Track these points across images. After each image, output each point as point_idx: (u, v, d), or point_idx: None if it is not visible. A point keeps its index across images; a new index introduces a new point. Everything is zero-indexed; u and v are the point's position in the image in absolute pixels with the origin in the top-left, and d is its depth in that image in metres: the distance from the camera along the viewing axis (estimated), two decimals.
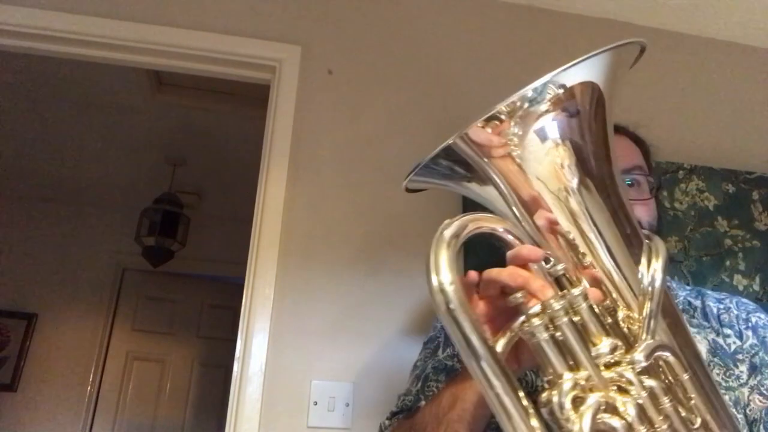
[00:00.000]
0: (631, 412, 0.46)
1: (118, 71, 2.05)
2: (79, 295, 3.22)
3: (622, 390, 0.47)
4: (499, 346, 0.50)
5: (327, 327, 1.29)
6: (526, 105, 0.52)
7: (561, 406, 0.46)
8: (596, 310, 0.50)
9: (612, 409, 0.46)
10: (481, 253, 1.07)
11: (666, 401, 0.47)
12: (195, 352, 3.37)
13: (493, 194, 0.57)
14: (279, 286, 1.29)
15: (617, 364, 0.48)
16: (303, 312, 1.29)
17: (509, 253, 0.54)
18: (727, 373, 0.69)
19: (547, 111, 0.53)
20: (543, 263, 0.53)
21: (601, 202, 0.55)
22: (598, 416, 0.45)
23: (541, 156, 0.54)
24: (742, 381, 0.68)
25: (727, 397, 0.67)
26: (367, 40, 1.58)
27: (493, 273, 0.53)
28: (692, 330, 0.73)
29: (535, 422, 0.45)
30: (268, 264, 1.30)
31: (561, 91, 0.53)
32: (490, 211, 0.58)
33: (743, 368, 0.69)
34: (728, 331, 0.72)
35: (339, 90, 1.50)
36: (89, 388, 3.07)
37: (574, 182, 0.54)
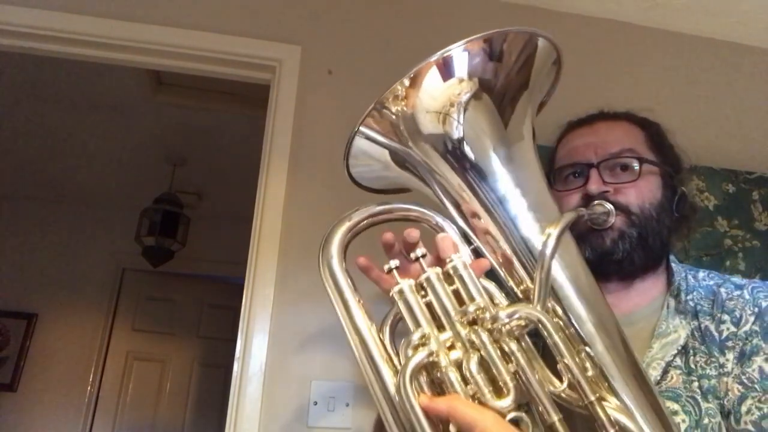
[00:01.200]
0: (472, 369, 0.50)
1: (118, 71, 2.05)
2: (79, 295, 3.22)
3: (473, 347, 0.52)
4: (387, 324, 0.60)
5: (327, 327, 1.28)
6: (408, 89, 0.61)
7: (405, 355, 0.53)
8: (474, 278, 0.57)
9: (455, 364, 0.52)
10: None
11: (513, 366, 0.51)
12: (195, 352, 3.37)
13: (416, 180, 0.66)
14: (279, 286, 1.29)
15: (479, 322, 0.53)
16: (303, 312, 1.29)
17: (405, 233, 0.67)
18: (708, 361, 0.67)
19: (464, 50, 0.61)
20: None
21: (507, 174, 0.61)
22: (422, 360, 0.51)
23: (437, 92, 0.61)
24: (725, 370, 0.66)
25: (697, 384, 0.66)
26: (367, 40, 1.57)
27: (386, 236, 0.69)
28: (678, 317, 0.72)
29: (385, 367, 0.54)
30: (268, 264, 1.30)
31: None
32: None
33: (730, 356, 0.67)
34: (725, 317, 0.70)
35: (339, 90, 1.50)
36: (89, 388, 3.07)
37: (479, 150, 0.61)
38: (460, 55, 0.59)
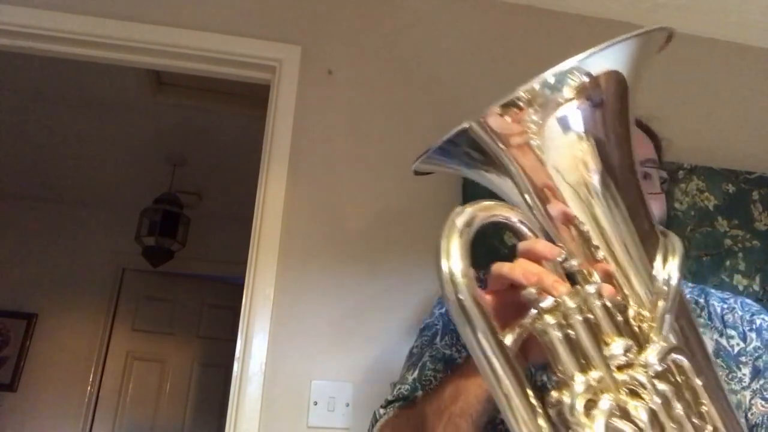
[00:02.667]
0: (643, 417, 0.44)
1: (118, 71, 2.05)
2: (79, 295, 3.22)
3: (634, 394, 0.45)
4: (508, 340, 0.48)
5: (327, 327, 1.28)
6: (547, 91, 0.50)
7: (572, 408, 0.44)
8: (609, 308, 0.48)
9: (623, 413, 0.44)
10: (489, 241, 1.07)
11: (678, 407, 0.45)
12: (195, 352, 3.37)
13: (506, 183, 0.56)
14: (279, 286, 1.29)
15: (630, 365, 0.46)
16: (303, 312, 1.29)
17: (522, 246, 0.52)
18: (730, 376, 0.68)
19: (569, 99, 0.50)
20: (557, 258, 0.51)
21: (618, 197, 0.53)
22: (610, 420, 0.43)
23: (560, 146, 0.52)
24: (744, 384, 0.67)
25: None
26: (367, 40, 1.57)
27: (505, 269, 0.51)
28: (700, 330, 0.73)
29: (542, 422, 0.44)
30: (268, 264, 1.30)
31: (586, 79, 0.50)
32: (502, 199, 0.56)
33: (746, 371, 0.68)
34: (732, 332, 0.71)
35: (339, 90, 1.50)
36: (89, 388, 3.07)
37: (595, 177, 0.52)
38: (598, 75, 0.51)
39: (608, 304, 0.48)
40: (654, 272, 0.51)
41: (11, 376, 3.01)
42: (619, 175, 0.54)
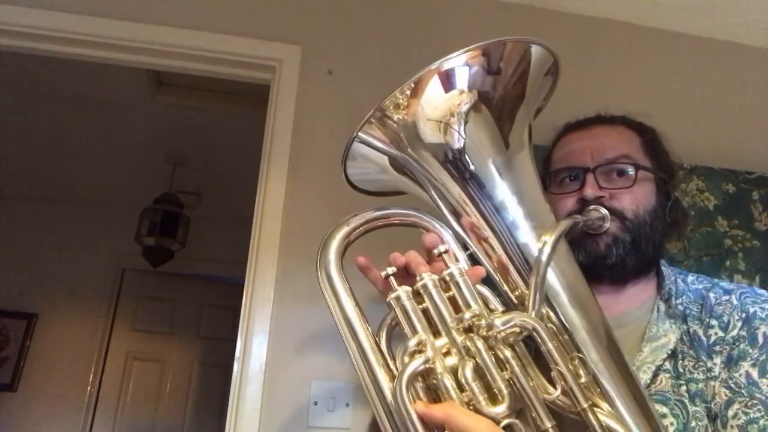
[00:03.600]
0: (468, 375, 0.51)
1: (118, 71, 2.05)
2: (79, 295, 3.22)
3: (468, 354, 0.53)
4: (383, 331, 0.60)
5: (327, 327, 1.28)
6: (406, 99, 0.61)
7: (401, 362, 0.53)
8: (467, 282, 0.57)
9: (451, 370, 0.52)
10: None
11: (507, 373, 0.51)
12: (195, 352, 3.37)
13: (413, 185, 0.66)
14: (279, 286, 1.29)
15: (475, 329, 0.54)
16: (303, 312, 1.29)
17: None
18: (696, 365, 0.69)
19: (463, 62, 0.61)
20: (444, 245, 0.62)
21: (505, 182, 0.61)
22: (418, 367, 0.52)
23: (438, 102, 0.61)
24: (713, 374, 0.67)
25: (685, 388, 0.67)
26: (367, 40, 1.57)
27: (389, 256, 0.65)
28: (668, 322, 0.73)
29: (381, 371, 0.54)
30: (268, 264, 1.30)
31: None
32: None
33: (717, 360, 0.68)
34: (714, 322, 0.71)
35: (339, 90, 1.50)
36: (89, 388, 3.08)
37: (479, 158, 0.61)
38: (460, 65, 0.60)
39: (468, 281, 0.58)
40: (533, 251, 0.59)
41: (11, 376, 3.01)
42: (509, 160, 0.63)
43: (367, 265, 0.69)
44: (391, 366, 0.55)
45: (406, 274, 0.64)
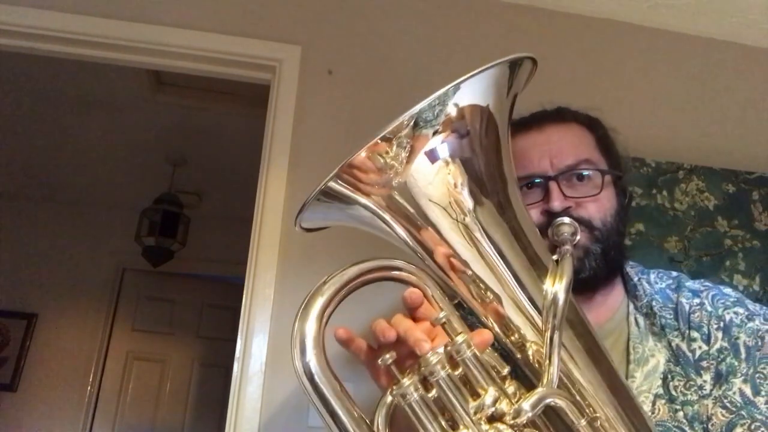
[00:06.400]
0: None
1: (118, 71, 2.05)
2: (79, 295, 3.22)
3: None
4: (381, 416, 0.53)
5: (327, 327, 1.28)
6: (407, 131, 0.52)
7: None
8: (479, 357, 0.50)
9: None
10: None
11: None
12: (195, 352, 3.37)
13: (391, 233, 0.58)
14: (279, 286, 1.29)
15: (501, 416, 0.48)
16: None
17: (377, 327, 0.57)
18: (687, 385, 0.66)
19: (435, 133, 0.52)
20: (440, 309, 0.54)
21: (500, 223, 0.55)
22: None
23: (431, 177, 0.53)
24: (704, 392, 0.65)
25: (682, 414, 0.64)
26: (367, 40, 1.57)
27: (373, 325, 0.55)
28: (652, 339, 0.71)
29: None
30: (268, 264, 1.30)
31: (451, 113, 0.52)
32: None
33: (707, 377, 0.65)
34: (695, 334, 0.68)
35: (339, 90, 1.50)
36: (89, 388, 3.07)
37: (469, 202, 0.54)
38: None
39: (477, 353, 0.50)
40: (543, 295, 0.53)
41: (11, 376, 3.01)
42: (495, 201, 0.55)
43: (349, 337, 0.62)
44: None
45: (396, 344, 0.55)
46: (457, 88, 0.51)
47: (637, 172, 1.48)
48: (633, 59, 1.72)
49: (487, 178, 0.55)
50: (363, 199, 0.55)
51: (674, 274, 0.77)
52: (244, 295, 1.30)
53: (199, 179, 3.12)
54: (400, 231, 0.57)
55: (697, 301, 0.71)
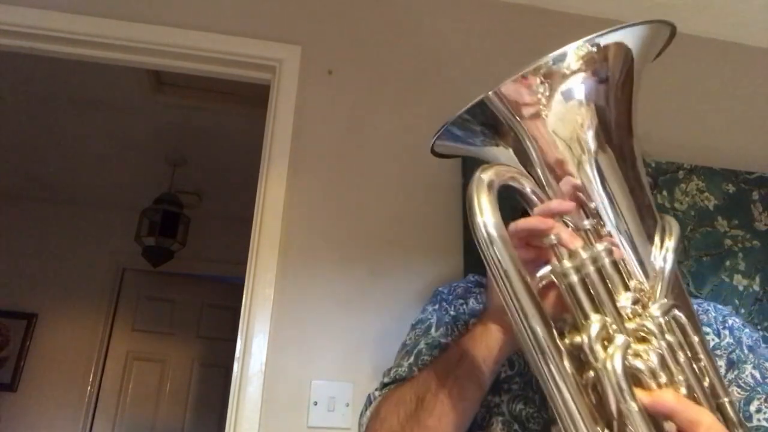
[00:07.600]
0: (653, 360, 0.47)
1: (118, 71, 2.05)
2: (79, 295, 3.22)
3: (643, 339, 0.48)
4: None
5: (327, 327, 1.28)
6: (558, 64, 0.55)
7: (591, 348, 0.47)
8: (618, 264, 0.51)
9: (635, 354, 0.47)
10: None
11: (682, 356, 0.48)
12: (195, 352, 3.37)
13: (520, 157, 0.59)
14: (279, 286, 1.29)
15: (638, 315, 0.50)
16: (303, 312, 1.29)
17: (537, 209, 0.56)
18: None
19: (577, 71, 0.55)
20: (569, 220, 0.55)
21: (620, 172, 0.57)
22: (626, 357, 0.46)
23: (564, 115, 0.56)
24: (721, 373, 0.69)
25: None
26: (367, 40, 1.57)
27: (521, 223, 0.54)
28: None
29: (567, 363, 0.46)
30: (268, 264, 1.30)
31: (594, 49, 0.56)
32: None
33: (721, 363, 0.70)
34: (707, 329, 0.72)
35: (339, 90, 1.50)
36: (89, 388, 3.07)
37: (595, 146, 0.56)
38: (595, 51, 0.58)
39: (617, 262, 0.51)
40: (651, 256, 0.55)
41: (11, 376, 3.01)
42: (619, 151, 0.58)
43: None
44: (564, 351, 0.47)
45: (526, 246, 0.55)
46: (614, 32, 0.57)
47: None
48: None
49: (615, 128, 0.58)
50: (514, 123, 0.58)
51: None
52: (244, 295, 1.30)
53: (199, 179, 3.11)
54: (537, 161, 0.58)
55: (701, 309, 0.76)
